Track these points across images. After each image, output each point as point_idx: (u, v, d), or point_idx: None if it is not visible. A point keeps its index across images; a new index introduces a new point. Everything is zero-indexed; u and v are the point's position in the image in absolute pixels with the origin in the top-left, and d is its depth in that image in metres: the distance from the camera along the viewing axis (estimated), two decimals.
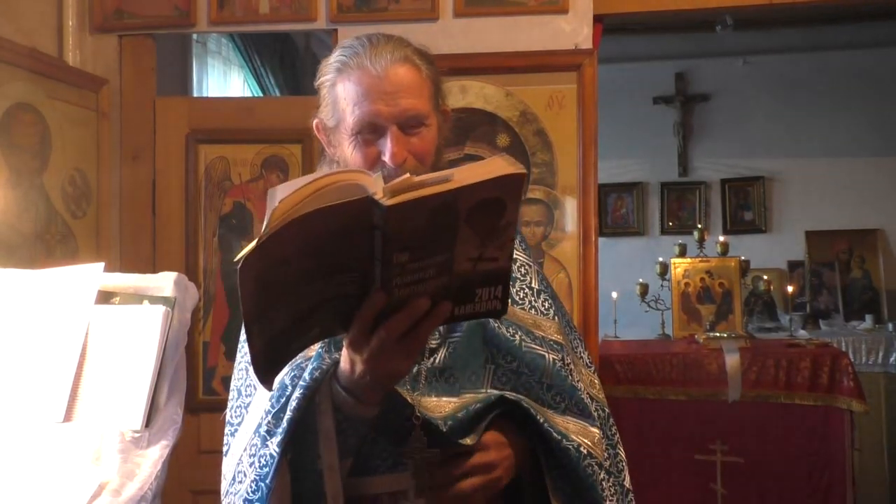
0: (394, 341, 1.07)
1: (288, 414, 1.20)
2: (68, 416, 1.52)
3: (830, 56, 6.25)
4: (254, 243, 0.94)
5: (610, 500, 1.31)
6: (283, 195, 0.94)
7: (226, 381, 3.19)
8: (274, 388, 1.25)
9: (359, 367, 1.13)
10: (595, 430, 1.32)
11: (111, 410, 1.52)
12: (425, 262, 1.01)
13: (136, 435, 1.51)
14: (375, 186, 0.96)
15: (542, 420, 1.27)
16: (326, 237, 0.95)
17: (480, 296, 1.09)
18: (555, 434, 1.27)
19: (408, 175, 0.97)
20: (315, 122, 1.38)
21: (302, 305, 1.04)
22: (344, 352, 1.16)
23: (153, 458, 1.51)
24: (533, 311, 1.39)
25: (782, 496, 3.43)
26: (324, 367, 1.23)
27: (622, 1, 3.29)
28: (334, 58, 1.32)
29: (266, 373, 1.10)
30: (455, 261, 1.02)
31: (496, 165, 0.99)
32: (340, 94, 1.30)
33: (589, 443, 1.30)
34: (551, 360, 1.32)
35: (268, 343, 1.06)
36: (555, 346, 1.35)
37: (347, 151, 1.30)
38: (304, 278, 1.00)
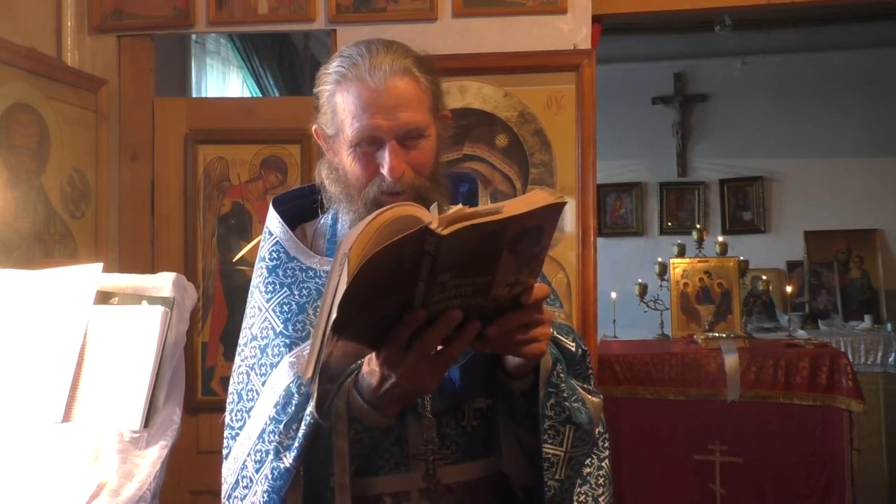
0: (426, 357, 1.09)
1: (303, 429, 1.21)
2: (67, 417, 1.52)
3: (829, 56, 6.26)
4: (338, 300, 0.98)
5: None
6: (350, 242, 0.99)
7: (224, 382, 3.18)
8: (278, 393, 1.26)
9: (389, 383, 1.14)
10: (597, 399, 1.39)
11: (110, 411, 1.52)
12: (465, 281, 1.05)
13: (135, 435, 1.50)
14: (431, 216, 1.00)
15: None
16: (382, 269, 0.99)
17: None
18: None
19: (461, 206, 1.00)
20: (314, 128, 1.39)
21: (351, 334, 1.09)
22: (369, 367, 1.17)
23: (152, 458, 1.50)
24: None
25: (781, 496, 3.43)
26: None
27: (621, 1, 3.29)
28: (333, 67, 1.32)
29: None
30: (494, 286, 1.07)
31: (539, 196, 1.05)
32: (339, 105, 1.30)
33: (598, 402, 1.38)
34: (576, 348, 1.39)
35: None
36: (564, 328, 1.40)
37: (347, 162, 1.32)
38: (360, 309, 1.03)
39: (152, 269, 2.46)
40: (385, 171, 1.27)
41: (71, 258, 2.90)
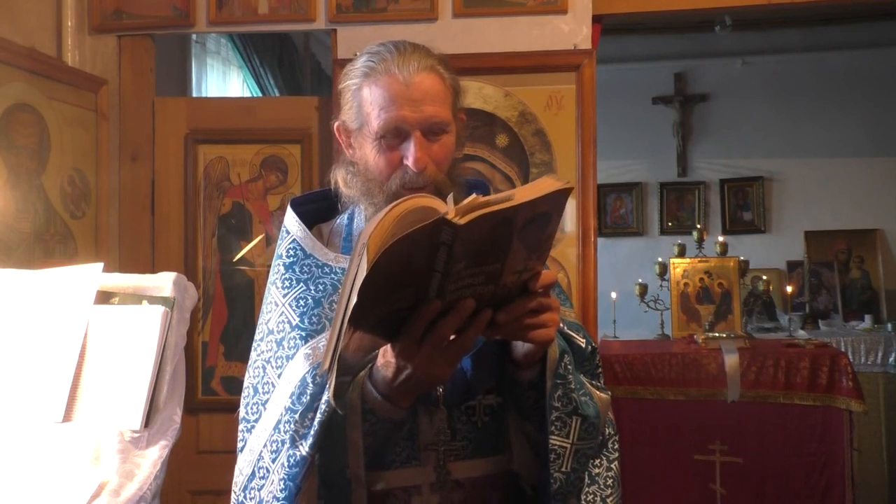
0: (441, 347, 1.11)
1: (318, 417, 1.23)
2: (67, 417, 1.52)
3: (829, 56, 6.26)
4: (357, 286, 0.99)
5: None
6: (369, 231, 1.00)
7: (225, 381, 3.19)
8: (294, 383, 1.28)
9: (404, 374, 1.16)
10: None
11: (110, 411, 1.52)
12: (478, 269, 1.06)
13: (136, 435, 1.51)
14: (447, 207, 1.02)
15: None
16: (400, 259, 1.00)
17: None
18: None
19: (475, 196, 1.02)
20: (336, 124, 1.43)
21: (367, 326, 1.10)
22: (384, 359, 1.19)
23: (152, 458, 1.51)
24: None
25: (781, 496, 3.42)
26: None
27: (621, 1, 3.29)
28: (361, 63, 1.36)
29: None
30: (504, 273, 1.08)
31: (547, 183, 1.08)
32: (366, 98, 1.34)
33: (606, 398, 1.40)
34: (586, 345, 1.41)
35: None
36: (575, 325, 1.42)
37: (370, 154, 1.35)
38: (376, 300, 1.03)
39: (152, 269, 2.46)
40: (410, 162, 1.31)
41: (71, 258, 2.90)
